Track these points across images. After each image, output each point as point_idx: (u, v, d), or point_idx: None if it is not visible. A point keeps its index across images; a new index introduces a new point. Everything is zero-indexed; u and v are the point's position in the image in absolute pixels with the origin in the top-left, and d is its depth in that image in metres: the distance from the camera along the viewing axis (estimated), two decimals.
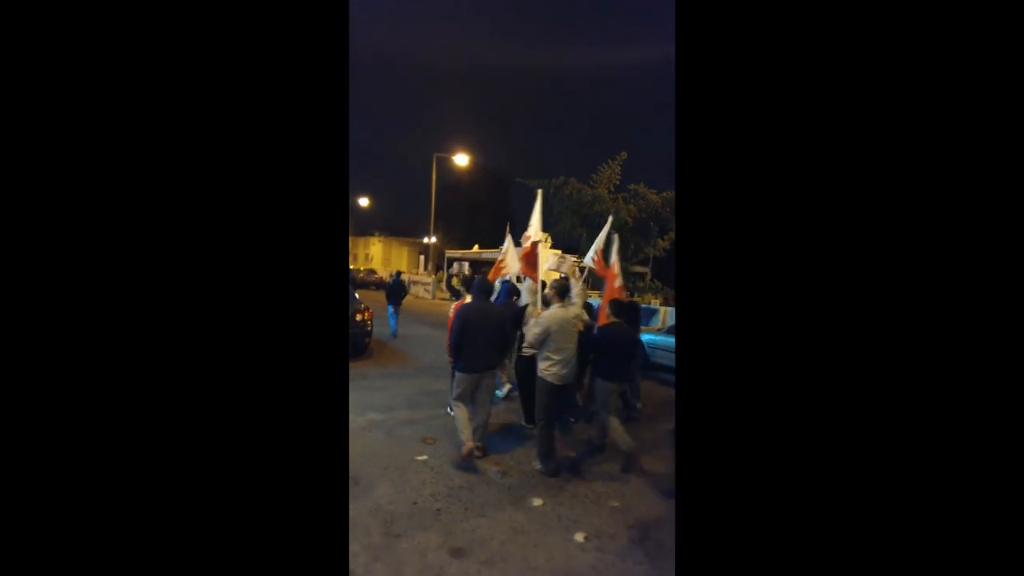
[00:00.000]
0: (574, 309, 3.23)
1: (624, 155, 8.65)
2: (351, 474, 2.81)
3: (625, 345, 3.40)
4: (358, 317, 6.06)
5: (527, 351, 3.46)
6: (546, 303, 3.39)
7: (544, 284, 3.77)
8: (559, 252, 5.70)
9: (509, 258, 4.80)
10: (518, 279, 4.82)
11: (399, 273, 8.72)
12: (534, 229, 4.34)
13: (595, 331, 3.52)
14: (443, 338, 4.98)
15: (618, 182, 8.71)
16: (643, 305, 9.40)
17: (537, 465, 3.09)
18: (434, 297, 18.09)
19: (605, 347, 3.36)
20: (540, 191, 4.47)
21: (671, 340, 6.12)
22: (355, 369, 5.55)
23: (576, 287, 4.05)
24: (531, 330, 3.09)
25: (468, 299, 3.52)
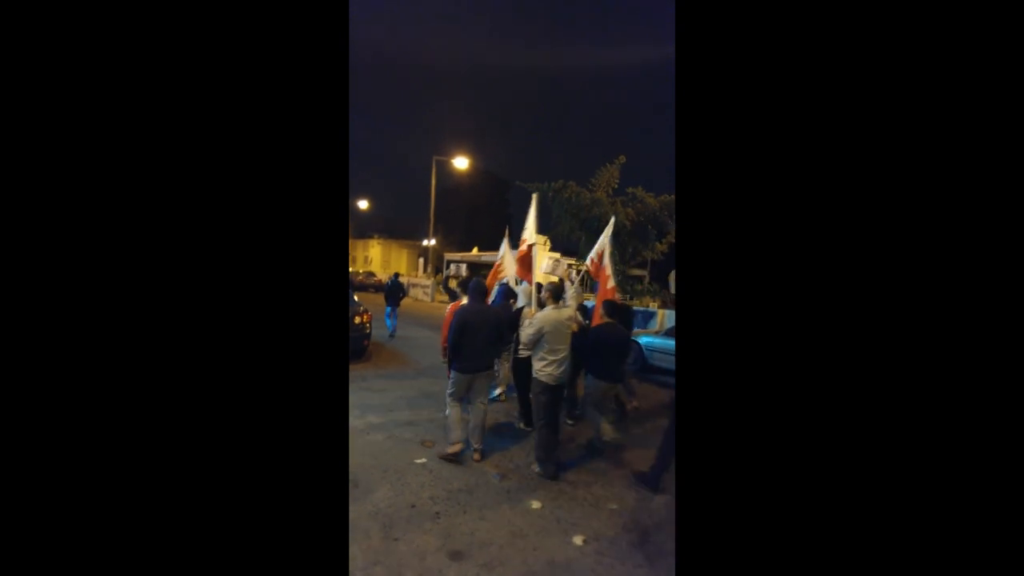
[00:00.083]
0: (567, 311, 3.29)
1: (623, 159, 8.69)
2: (351, 478, 2.80)
3: (618, 345, 3.44)
4: (357, 320, 6.05)
5: (523, 352, 3.52)
6: (541, 305, 3.44)
7: (540, 286, 3.82)
8: (555, 256, 5.73)
9: (506, 262, 4.86)
10: (517, 282, 4.85)
11: (397, 275, 8.88)
12: (529, 232, 4.42)
13: (589, 332, 3.55)
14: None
15: (616, 185, 8.74)
16: (641, 308, 9.41)
17: (536, 468, 3.09)
18: (433, 300, 18.08)
19: (599, 347, 3.39)
20: (535, 195, 4.55)
21: (670, 343, 6.13)
22: (354, 371, 5.54)
23: (570, 290, 4.09)
24: (525, 331, 3.14)
25: (464, 300, 3.56)
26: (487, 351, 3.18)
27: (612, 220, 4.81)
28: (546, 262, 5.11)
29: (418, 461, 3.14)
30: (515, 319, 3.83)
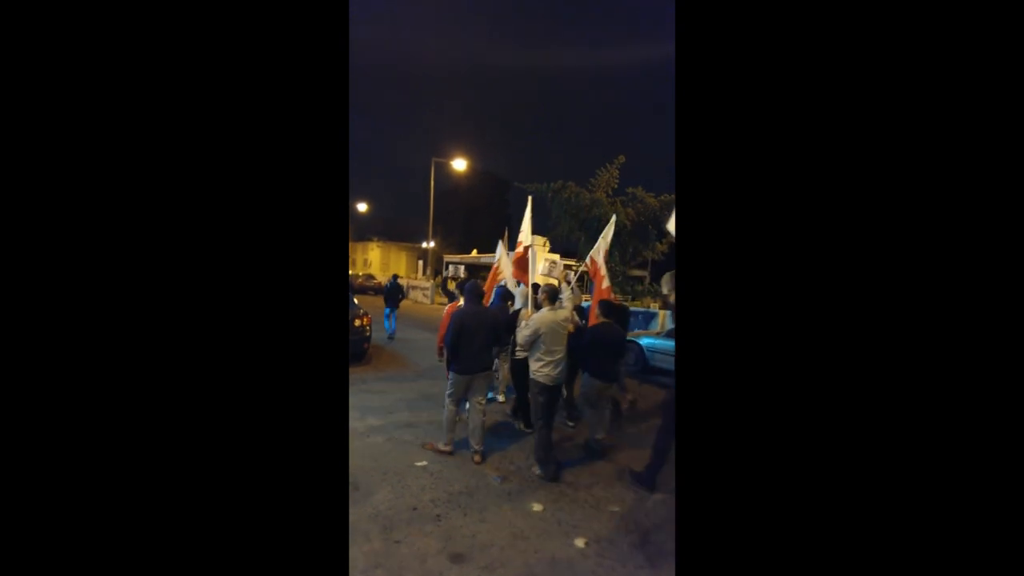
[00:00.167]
0: (563, 312, 3.33)
1: (622, 159, 8.69)
2: (351, 480, 2.79)
3: (614, 345, 3.46)
4: (357, 322, 6.05)
5: (520, 354, 3.57)
6: (537, 307, 3.48)
7: (537, 287, 3.86)
8: (552, 257, 5.75)
9: (503, 264, 4.91)
10: (516, 284, 4.86)
11: (395, 277, 9.00)
12: (525, 235, 4.49)
13: (585, 332, 3.58)
14: None
15: (616, 185, 8.75)
16: (642, 309, 9.40)
17: (537, 470, 3.08)
18: (433, 302, 18.08)
19: (595, 347, 3.42)
20: (531, 198, 4.64)
21: (670, 344, 6.13)
22: (354, 374, 5.53)
23: (566, 291, 4.14)
24: (522, 332, 3.19)
25: (461, 302, 3.60)
26: (484, 352, 3.23)
27: (613, 219, 4.77)
28: (543, 264, 5.13)
29: (418, 463, 3.13)
30: (512, 321, 3.88)
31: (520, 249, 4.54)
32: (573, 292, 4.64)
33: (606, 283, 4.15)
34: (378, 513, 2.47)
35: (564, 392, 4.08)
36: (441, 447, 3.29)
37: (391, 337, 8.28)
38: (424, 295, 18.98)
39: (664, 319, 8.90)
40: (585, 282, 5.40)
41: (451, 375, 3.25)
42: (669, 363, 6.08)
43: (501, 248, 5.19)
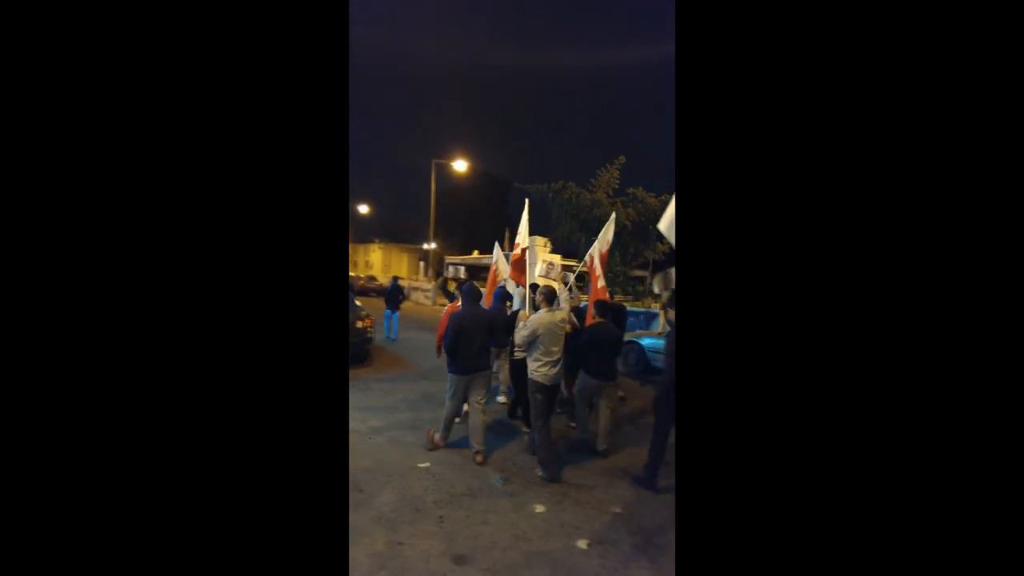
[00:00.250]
0: (560, 313, 3.38)
1: (623, 159, 8.68)
2: (354, 482, 2.80)
3: (611, 344, 3.52)
4: (359, 324, 6.06)
5: (519, 354, 3.63)
6: (535, 307, 3.54)
7: (535, 287, 3.92)
8: (552, 258, 5.76)
9: (500, 266, 4.98)
10: (516, 285, 4.89)
11: (396, 279, 9.12)
12: (523, 236, 4.54)
13: (582, 332, 3.62)
14: None
15: (617, 186, 8.74)
16: (643, 309, 9.39)
17: (539, 472, 3.09)
18: (434, 303, 18.09)
19: (592, 347, 3.48)
20: (527, 200, 4.66)
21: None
22: (356, 375, 5.54)
23: (563, 293, 4.20)
24: (520, 333, 3.24)
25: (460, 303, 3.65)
26: (482, 353, 3.29)
27: (613, 216, 4.72)
28: (540, 265, 5.17)
29: (421, 465, 3.14)
30: (511, 322, 3.94)
31: (517, 251, 4.59)
32: (572, 293, 4.69)
33: (601, 283, 4.17)
34: (381, 515, 2.47)
35: (564, 392, 4.14)
36: (437, 439, 3.41)
37: (394, 339, 8.31)
38: (426, 296, 18.99)
39: (665, 319, 8.89)
40: (586, 281, 5.42)
41: (450, 376, 3.31)
42: None
43: (498, 250, 5.26)
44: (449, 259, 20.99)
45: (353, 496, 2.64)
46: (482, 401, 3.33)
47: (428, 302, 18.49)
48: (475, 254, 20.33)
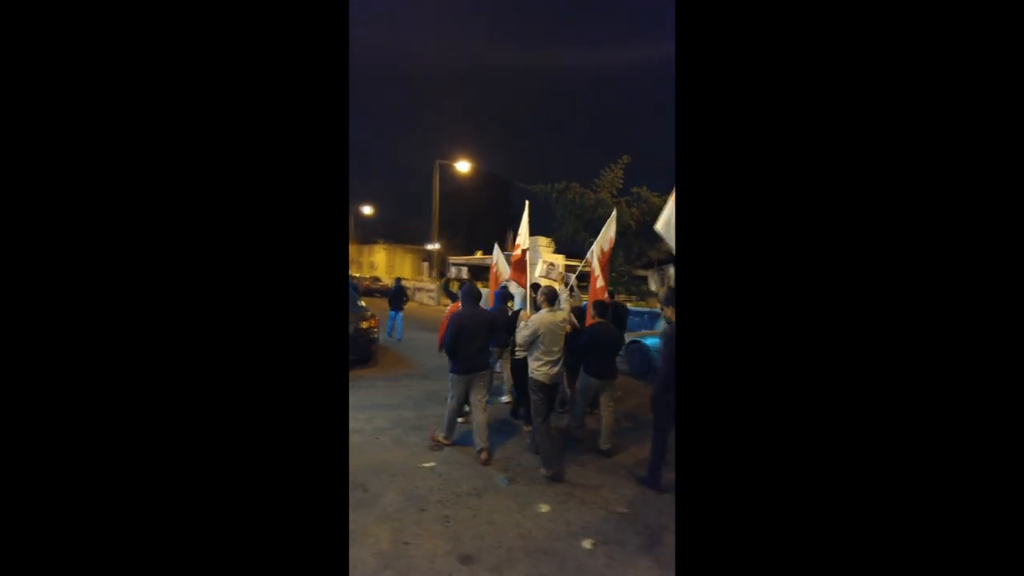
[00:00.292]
0: (561, 313, 3.44)
1: (626, 159, 8.66)
2: (359, 481, 2.81)
3: (610, 344, 3.57)
4: (364, 325, 6.08)
5: (520, 354, 3.69)
6: (537, 308, 3.60)
7: (536, 287, 3.97)
8: (552, 259, 5.78)
9: (501, 268, 5.04)
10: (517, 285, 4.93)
11: (399, 280, 9.32)
12: (523, 237, 4.59)
13: (583, 332, 3.67)
14: None
15: (620, 185, 8.72)
16: (647, 309, 9.37)
17: (544, 471, 3.09)
18: (439, 304, 18.13)
19: (592, 347, 3.52)
20: (527, 202, 4.71)
21: None
22: (361, 376, 5.57)
23: (564, 293, 4.26)
24: (521, 332, 3.29)
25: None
26: (482, 353, 3.34)
27: (614, 213, 4.66)
28: (540, 266, 5.19)
29: (426, 465, 3.14)
30: (512, 322, 4.01)
31: (518, 252, 4.64)
32: (574, 294, 4.72)
33: (600, 283, 4.18)
34: (387, 515, 2.48)
35: (567, 391, 4.21)
36: (441, 439, 3.45)
37: (399, 339, 8.35)
38: (430, 297, 19.04)
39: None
40: (588, 281, 5.43)
41: (451, 375, 3.36)
42: None
43: (497, 252, 5.31)
44: (452, 259, 21.02)
45: (358, 496, 2.66)
46: (484, 400, 3.35)
47: (432, 302, 18.54)
48: (478, 254, 20.36)
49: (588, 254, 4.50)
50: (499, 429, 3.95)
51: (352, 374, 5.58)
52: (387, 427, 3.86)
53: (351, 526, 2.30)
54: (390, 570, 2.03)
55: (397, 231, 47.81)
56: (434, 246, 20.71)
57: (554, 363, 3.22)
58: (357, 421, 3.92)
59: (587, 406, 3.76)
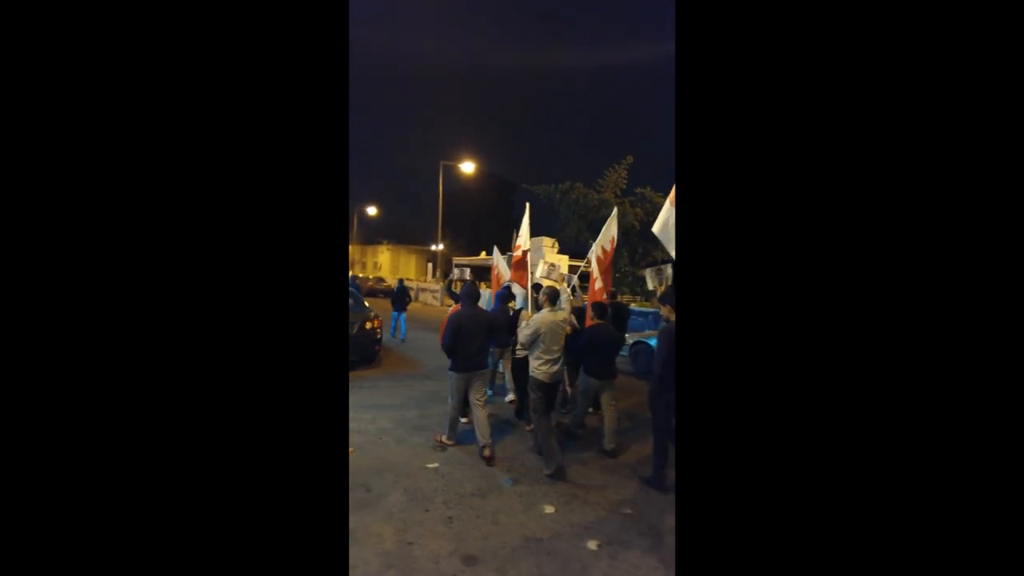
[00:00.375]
0: (562, 313, 3.50)
1: (630, 159, 8.65)
2: (363, 482, 2.82)
3: (609, 345, 3.61)
4: (368, 325, 6.10)
5: (521, 353, 3.76)
6: (538, 307, 3.66)
7: (538, 287, 4.03)
8: (554, 260, 5.83)
9: (501, 269, 5.11)
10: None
11: (402, 280, 9.54)
12: (524, 238, 4.65)
13: (582, 333, 3.72)
14: None
15: (624, 186, 8.71)
16: (651, 309, 9.34)
17: (545, 470, 3.09)
18: (442, 304, 18.17)
19: (591, 348, 3.57)
20: (528, 204, 4.77)
21: None
22: (365, 376, 5.58)
23: (564, 294, 4.30)
24: (523, 331, 3.35)
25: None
26: (481, 352, 3.39)
27: (615, 211, 4.64)
28: (541, 266, 5.24)
29: (430, 465, 3.14)
30: (514, 322, 4.09)
31: (518, 252, 4.71)
32: (575, 294, 4.77)
33: (599, 284, 4.19)
34: (391, 515, 2.48)
35: (568, 391, 4.26)
36: (444, 440, 3.50)
37: (402, 339, 8.38)
38: (434, 297, 19.11)
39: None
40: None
41: (450, 374, 3.41)
42: None
43: (497, 254, 5.37)
44: (456, 260, 21.08)
45: (362, 496, 2.66)
46: (482, 399, 3.40)
47: (436, 303, 18.60)
48: (482, 255, 20.39)
49: (588, 254, 4.51)
50: (503, 430, 3.95)
51: (356, 374, 5.59)
52: (390, 427, 3.87)
53: (354, 526, 2.31)
54: (394, 570, 2.03)
55: (401, 232, 48.04)
56: (438, 247, 20.75)
57: (554, 362, 3.27)
58: (360, 421, 3.93)
59: (587, 406, 3.79)
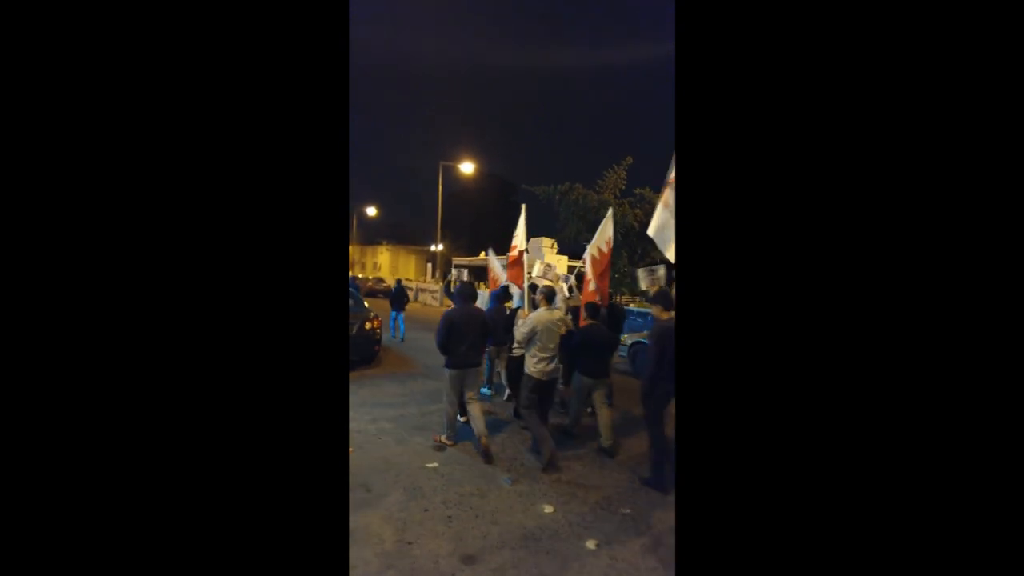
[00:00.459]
0: (558, 313, 3.62)
1: (630, 160, 8.66)
2: (363, 481, 2.82)
3: (601, 345, 3.68)
4: (368, 325, 6.10)
5: (517, 351, 3.86)
6: (534, 306, 3.76)
7: (534, 287, 4.12)
8: (552, 260, 5.90)
9: (498, 271, 5.24)
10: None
11: (400, 281, 9.62)
12: (519, 239, 4.75)
13: (576, 333, 3.77)
14: None
15: (624, 187, 8.72)
16: (649, 310, 9.34)
17: (538, 463, 3.15)
18: (442, 304, 18.17)
19: (584, 348, 3.63)
20: (524, 206, 4.87)
21: None
22: (365, 376, 5.58)
23: (560, 293, 4.38)
24: (519, 329, 3.47)
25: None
26: (474, 349, 3.46)
27: (610, 212, 4.62)
28: (538, 266, 5.29)
29: (429, 465, 3.15)
30: (510, 321, 4.18)
31: (514, 253, 4.80)
32: (572, 294, 4.84)
33: (592, 286, 4.23)
34: (391, 515, 2.48)
35: (562, 390, 4.27)
36: (444, 440, 3.52)
37: (401, 339, 8.39)
38: (433, 298, 19.11)
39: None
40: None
41: (446, 371, 3.47)
42: None
43: (492, 255, 5.45)
44: (456, 260, 21.08)
45: (362, 495, 2.66)
46: (476, 396, 3.51)
47: (435, 303, 18.60)
48: (482, 255, 20.40)
49: (584, 255, 4.53)
50: (502, 429, 3.95)
51: (355, 374, 5.60)
52: (390, 427, 3.87)
53: (354, 526, 2.31)
54: (393, 570, 2.03)
55: (401, 232, 48.03)
56: (438, 247, 20.75)
57: (549, 360, 3.38)
58: (360, 421, 3.94)
59: (582, 405, 3.86)
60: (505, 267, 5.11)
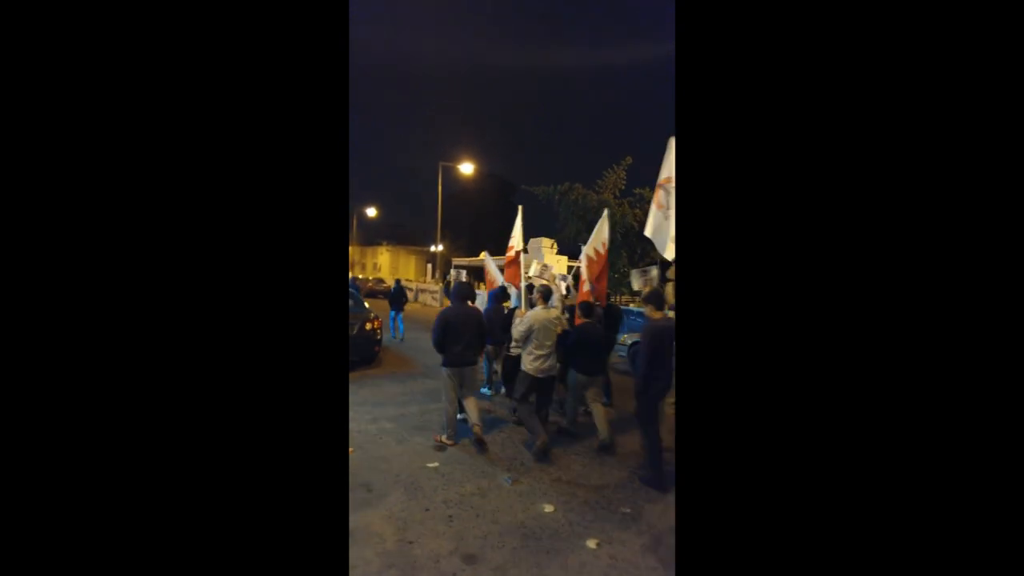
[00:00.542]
0: (555, 312, 3.71)
1: (629, 160, 8.68)
2: (364, 481, 2.82)
3: (596, 344, 3.76)
4: (368, 326, 6.11)
5: (514, 350, 3.93)
6: (531, 305, 3.82)
7: (531, 287, 4.20)
8: (551, 261, 5.96)
9: (494, 272, 5.31)
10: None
11: (399, 281, 9.75)
12: (516, 239, 4.82)
13: (571, 332, 3.84)
14: None
15: (623, 187, 8.73)
16: None
17: (530, 452, 3.22)
18: (441, 305, 18.18)
19: (579, 346, 3.70)
20: (520, 207, 4.96)
21: None
22: (365, 376, 5.58)
23: (556, 293, 4.46)
24: (517, 327, 3.53)
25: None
26: (468, 348, 3.50)
27: (605, 213, 4.61)
28: (534, 266, 5.35)
29: (430, 465, 3.15)
30: (508, 320, 4.25)
31: (511, 253, 4.87)
32: (570, 294, 4.89)
33: (587, 287, 4.26)
34: (392, 514, 2.49)
35: (560, 389, 4.32)
36: (444, 440, 3.54)
37: (401, 339, 8.40)
38: (433, 298, 19.12)
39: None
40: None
41: (443, 369, 3.53)
42: None
43: (487, 257, 5.61)
44: (456, 261, 21.09)
45: (362, 495, 2.67)
46: (471, 393, 3.58)
47: (436, 304, 18.62)
48: (481, 256, 20.41)
49: (580, 255, 4.57)
50: (501, 429, 3.95)
51: (356, 374, 5.60)
52: (391, 426, 3.88)
53: (355, 525, 2.32)
54: (394, 569, 2.04)
55: (401, 233, 48.03)
56: (437, 248, 20.75)
57: (545, 357, 3.48)
58: (361, 421, 3.94)
59: (578, 403, 3.90)
60: (502, 268, 5.17)
